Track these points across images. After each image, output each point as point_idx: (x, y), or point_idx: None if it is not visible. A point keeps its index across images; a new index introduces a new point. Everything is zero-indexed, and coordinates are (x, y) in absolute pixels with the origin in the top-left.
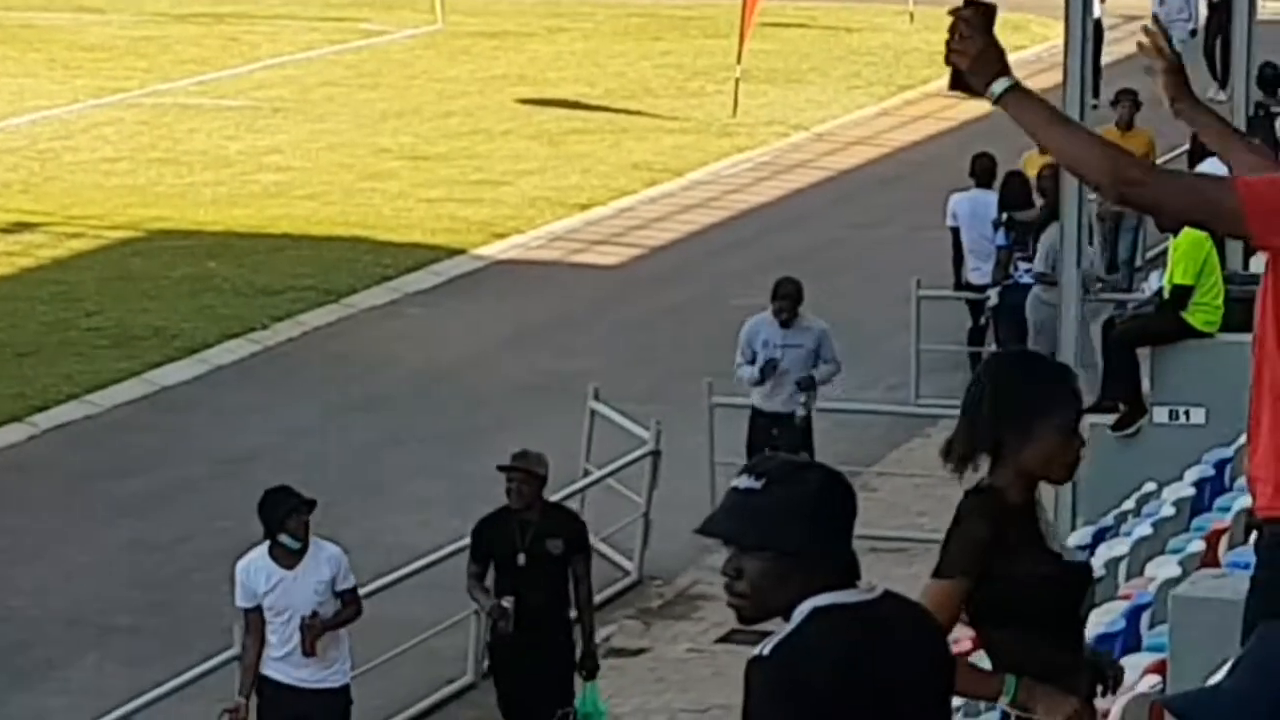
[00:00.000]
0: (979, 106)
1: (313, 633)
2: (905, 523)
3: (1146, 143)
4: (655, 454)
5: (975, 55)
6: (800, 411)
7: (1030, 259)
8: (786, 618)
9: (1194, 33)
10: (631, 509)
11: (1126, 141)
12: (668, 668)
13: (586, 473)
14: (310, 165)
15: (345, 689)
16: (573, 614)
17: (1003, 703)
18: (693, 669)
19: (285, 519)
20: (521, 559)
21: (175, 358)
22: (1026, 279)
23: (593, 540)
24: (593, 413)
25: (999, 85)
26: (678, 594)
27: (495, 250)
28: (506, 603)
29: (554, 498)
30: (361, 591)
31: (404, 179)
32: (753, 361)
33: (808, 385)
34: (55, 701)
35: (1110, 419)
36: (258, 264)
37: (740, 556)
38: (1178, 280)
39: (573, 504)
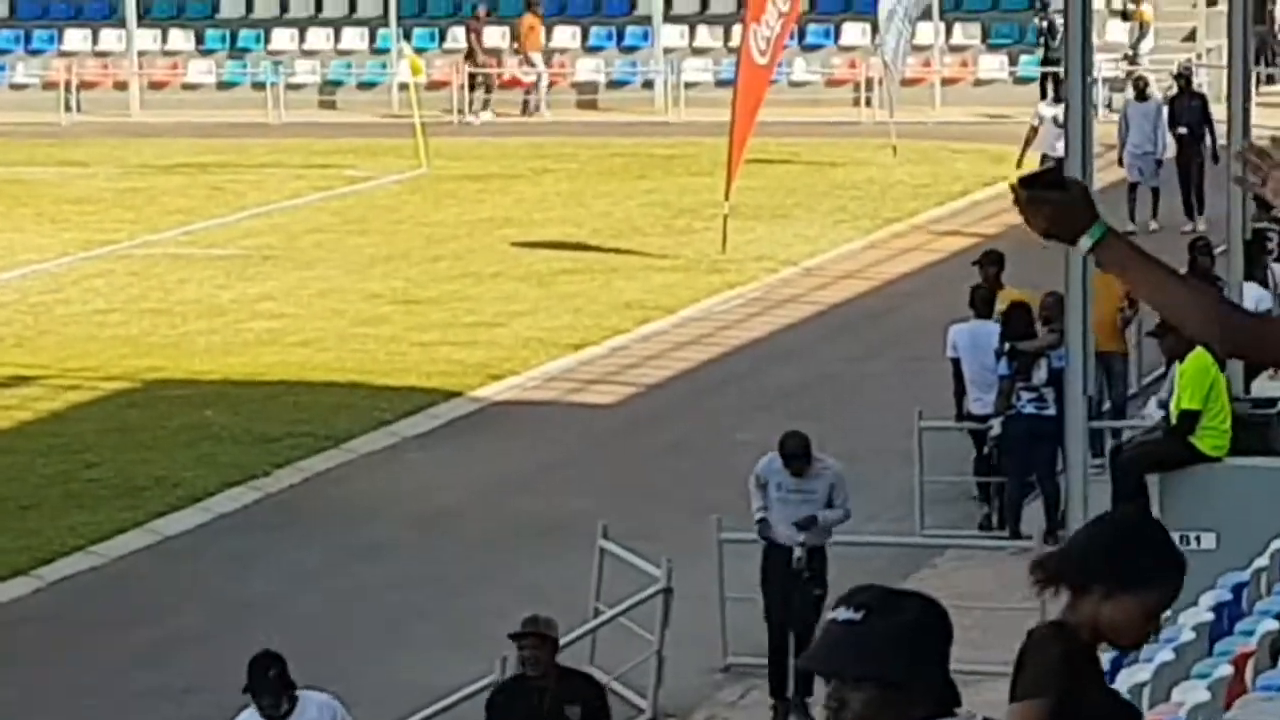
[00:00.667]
0: (966, 238)
1: None
2: None
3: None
4: (667, 591)
5: (1052, 215)
6: (797, 552)
7: (1033, 389)
8: None
9: (1160, 164)
10: (643, 647)
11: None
12: None
13: (597, 612)
14: (303, 312)
15: None
16: None
17: None
18: None
19: (256, 693)
20: None
21: (178, 506)
22: (1030, 409)
23: (605, 679)
24: (602, 551)
25: (1086, 240)
26: None
27: (492, 392)
28: None
29: (565, 639)
30: None
31: (397, 323)
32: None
33: (807, 524)
34: None
35: None
36: (255, 411)
37: (843, 689)
38: (1185, 405)
39: (584, 644)
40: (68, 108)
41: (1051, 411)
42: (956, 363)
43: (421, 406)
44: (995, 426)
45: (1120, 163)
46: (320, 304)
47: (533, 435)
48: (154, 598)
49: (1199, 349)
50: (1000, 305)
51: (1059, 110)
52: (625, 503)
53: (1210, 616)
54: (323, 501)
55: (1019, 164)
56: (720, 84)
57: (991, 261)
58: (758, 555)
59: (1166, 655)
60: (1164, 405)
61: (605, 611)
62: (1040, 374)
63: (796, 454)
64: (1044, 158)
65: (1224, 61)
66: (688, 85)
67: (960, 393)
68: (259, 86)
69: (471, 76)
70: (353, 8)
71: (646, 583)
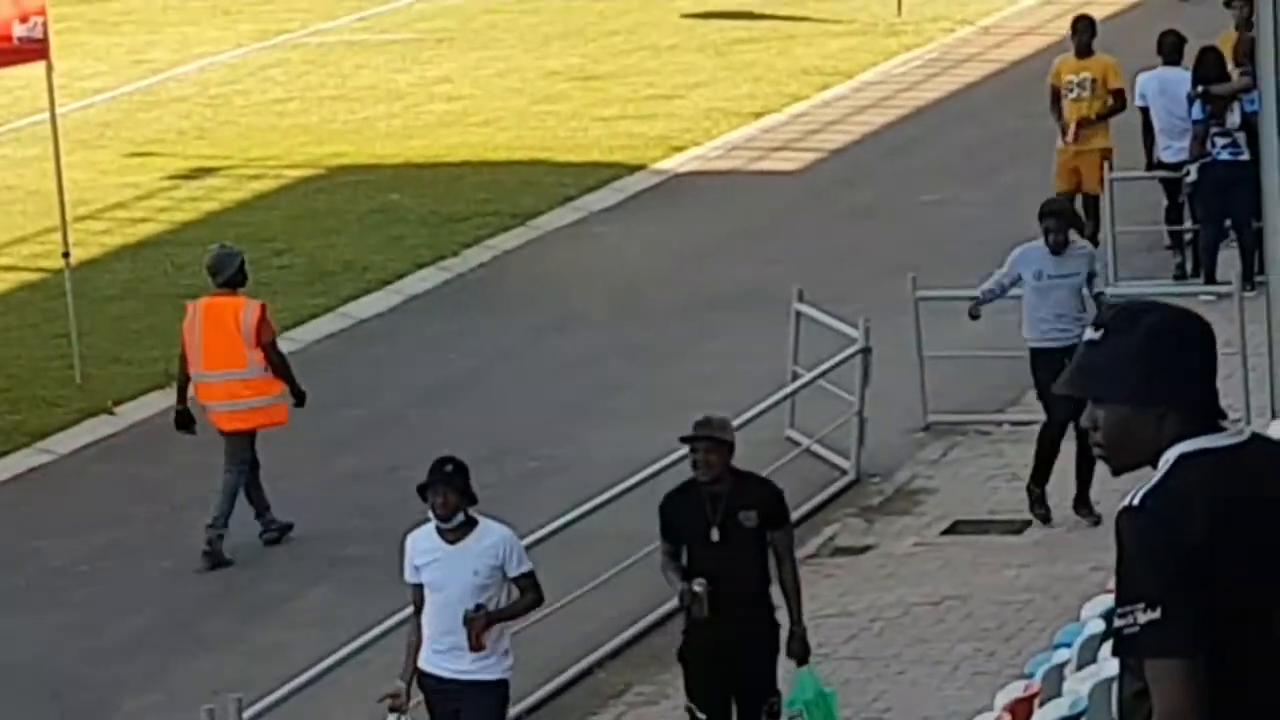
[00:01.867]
0: None
1: (475, 627)
2: None
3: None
4: (866, 351)
5: None
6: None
7: (1227, 134)
8: (1154, 466)
9: None
10: (843, 409)
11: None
12: (896, 563)
13: (795, 375)
14: (481, 92)
15: (501, 684)
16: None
17: None
18: (921, 563)
19: (429, 489)
20: (715, 534)
21: (369, 290)
22: (1225, 154)
23: (807, 442)
24: (798, 315)
25: None
26: (897, 490)
27: (675, 164)
28: (699, 586)
29: (764, 404)
30: (582, 509)
31: (576, 100)
32: (1012, 284)
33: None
34: (288, 635)
35: None
36: (440, 193)
37: (1093, 410)
38: None
39: (784, 408)
40: None
41: (1246, 156)
42: (1145, 111)
43: (605, 181)
44: (1191, 173)
45: None
46: (498, 84)
47: (718, 205)
48: (351, 381)
49: None
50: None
51: None
52: (816, 267)
53: None
54: (513, 279)
55: None
56: None
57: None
58: (955, 313)
59: None
60: None
61: (804, 375)
62: (1234, 118)
63: (1057, 213)
64: None
65: None
66: None
67: (1150, 142)
68: None
69: None
70: None
71: (844, 344)
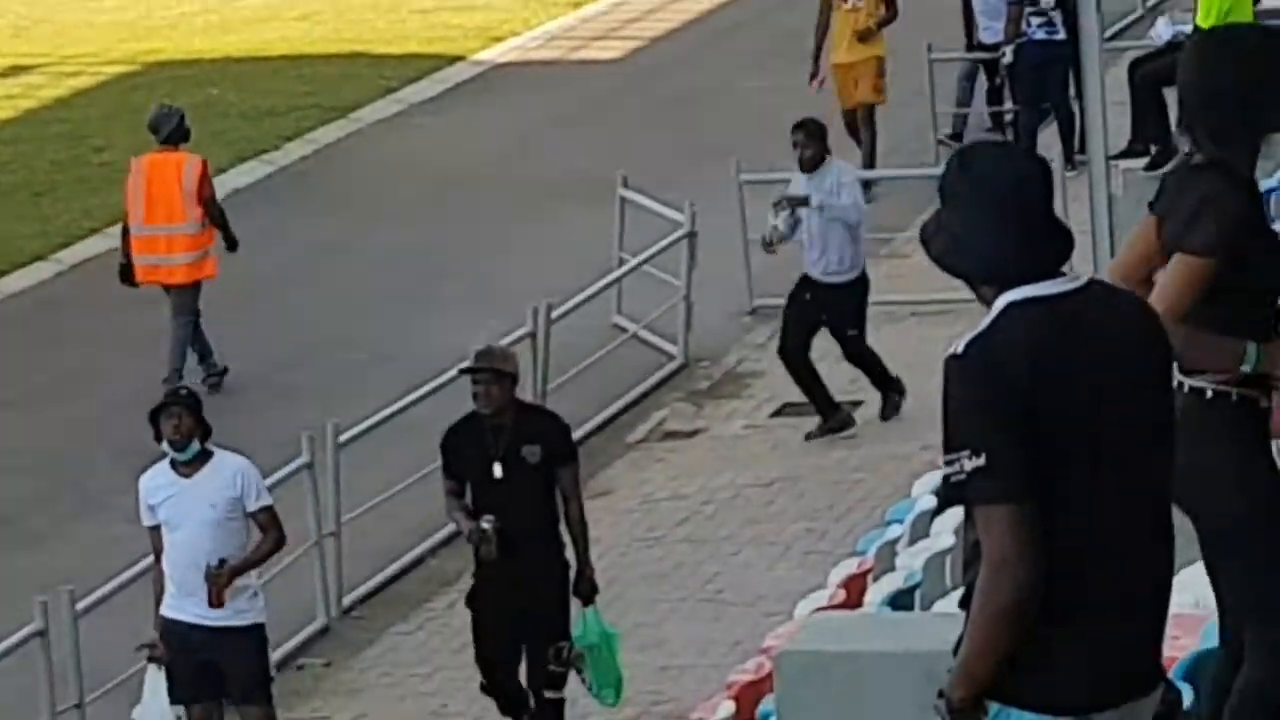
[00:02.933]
0: None
1: (218, 584)
2: (942, 284)
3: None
4: (691, 235)
5: None
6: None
7: (1042, 13)
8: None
9: None
10: (670, 293)
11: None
12: (725, 446)
13: (621, 261)
14: None
15: (256, 628)
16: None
17: (1244, 370)
18: (751, 445)
19: (158, 421)
20: (497, 470)
21: None
22: (1040, 34)
23: (634, 327)
24: (622, 200)
25: None
26: (725, 374)
27: (494, 54)
28: (486, 523)
29: (590, 290)
30: (409, 398)
31: None
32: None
33: (797, 204)
34: (119, 529)
35: (1142, 162)
36: (259, 87)
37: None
38: (1200, 23)
39: (610, 294)
40: None
41: (1061, 35)
42: None
43: (426, 73)
44: (1006, 54)
45: None
46: None
47: (539, 95)
48: None
49: None
50: None
51: None
52: (640, 154)
53: None
54: (335, 172)
55: None
56: None
57: None
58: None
59: None
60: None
61: (629, 260)
62: None
63: (809, 132)
64: None
65: None
66: None
67: (970, 23)
68: None
69: None
70: None
71: (669, 230)
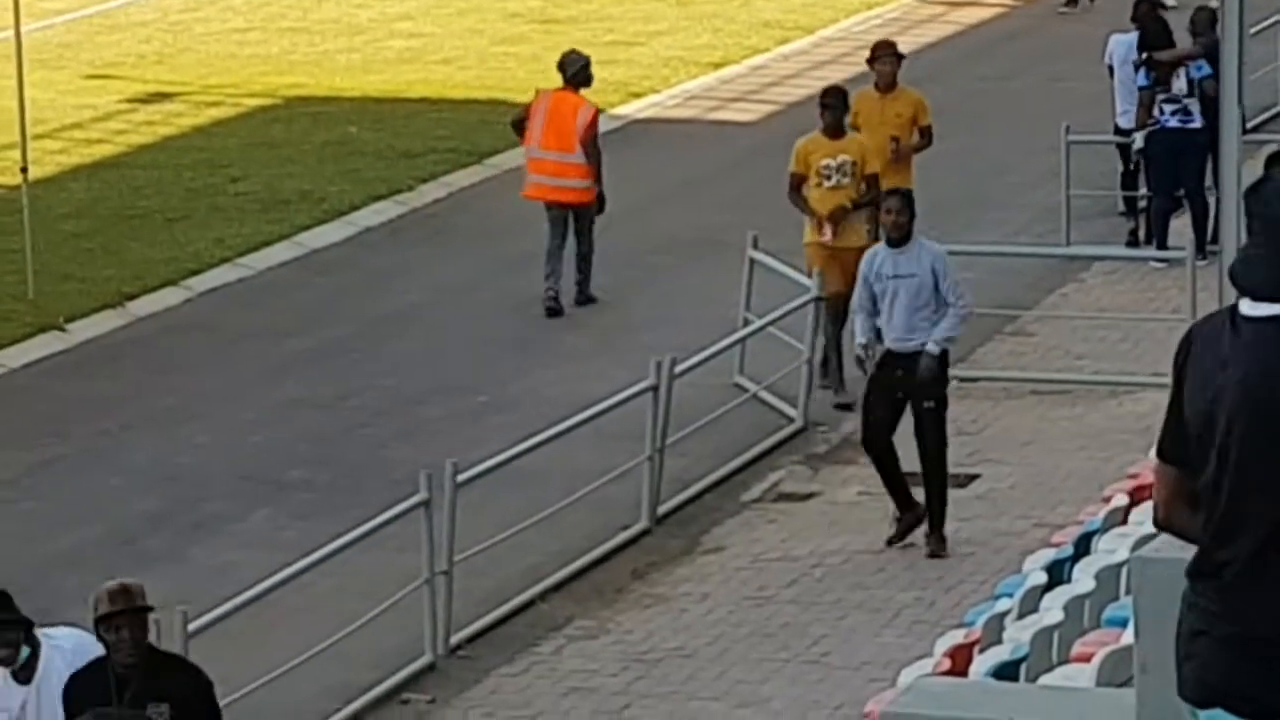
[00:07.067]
0: None
1: None
2: (1065, 365)
3: (915, 104)
4: (818, 300)
5: None
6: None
7: (1174, 99)
8: None
9: None
10: (793, 356)
11: (890, 105)
12: (839, 511)
13: (747, 321)
14: (442, 30)
15: None
16: None
17: None
18: (864, 512)
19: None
20: None
21: (324, 220)
22: (1173, 121)
23: (755, 388)
24: (752, 261)
25: None
26: (843, 439)
27: (632, 110)
28: None
29: (714, 348)
30: (529, 443)
31: (536, 42)
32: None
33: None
34: (234, 555)
35: None
36: (397, 128)
37: None
38: None
39: (733, 354)
40: None
41: (1197, 124)
42: (1113, 71)
43: None
44: (1138, 140)
45: None
46: (459, 23)
47: (674, 152)
48: (302, 310)
49: None
50: None
51: None
52: (771, 217)
53: None
54: (467, 216)
55: None
56: None
57: None
58: None
59: None
60: None
61: (755, 321)
62: (1179, 84)
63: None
64: None
65: None
66: None
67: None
68: None
69: None
70: None
71: (795, 293)
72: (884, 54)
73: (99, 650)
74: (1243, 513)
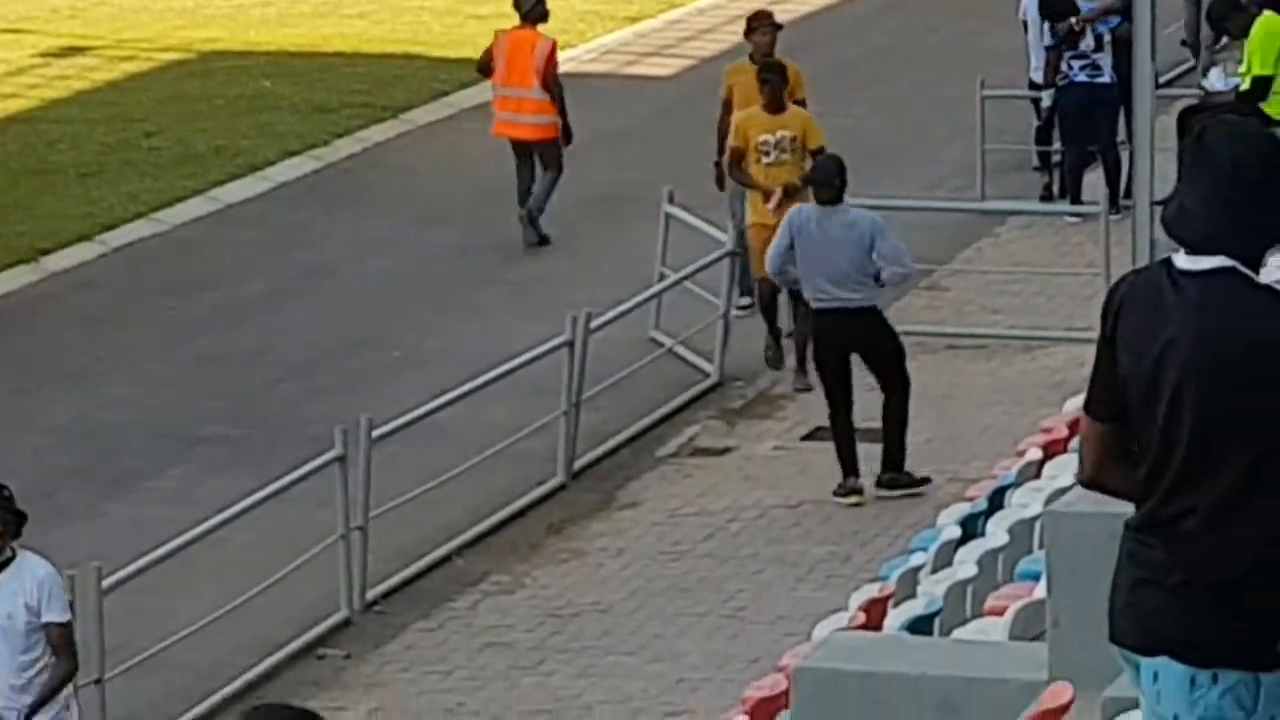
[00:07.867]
0: None
1: None
2: (980, 320)
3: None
4: (733, 254)
5: None
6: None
7: (1083, 55)
8: None
9: None
10: (709, 311)
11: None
12: (755, 466)
13: (662, 276)
14: None
15: None
16: None
17: None
18: (780, 466)
19: None
20: None
21: (238, 175)
22: (1082, 76)
23: (671, 343)
24: (668, 216)
25: None
26: (759, 394)
27: None
28: None
29: (629, 303)
30: (445, 398)
31: None
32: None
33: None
34: (150, 511)
35: None
36: (312, 82)
37: None
38: (1256, 71)
39: (649, 309)
40: None
41: (1106, 78)
42: (1027, 27)
43: (479, 78)
44: (1044, 97)
45: None
46: None
47: (591, 107)
48: (218, 265)
49: (1267, 13)
50: None
51: None
52: (687, 172)
53: None
54: (383, 171)
55: None
56: None
57: None
58: None
59: None
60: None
61: (670, 276)
62: (1088, 41)
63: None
64: None
65: None
66: None
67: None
68: None
69: None
70: None
71: (711, 248)
72: (761, 24)
73: (62, 595)
74: (1200, 466)
